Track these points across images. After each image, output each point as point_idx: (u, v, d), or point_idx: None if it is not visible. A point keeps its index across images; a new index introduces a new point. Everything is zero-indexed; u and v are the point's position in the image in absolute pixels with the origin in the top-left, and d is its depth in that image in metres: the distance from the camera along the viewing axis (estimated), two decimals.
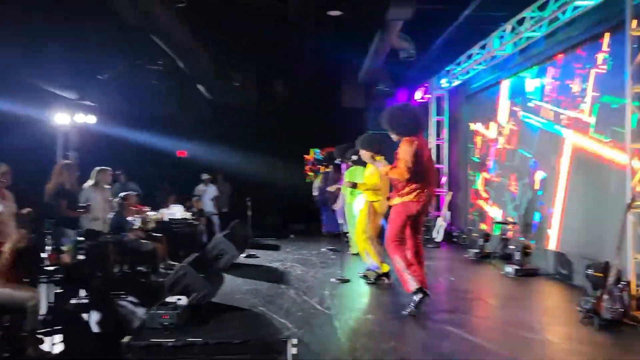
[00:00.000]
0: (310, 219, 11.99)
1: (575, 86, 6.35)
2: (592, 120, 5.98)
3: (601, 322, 4.38)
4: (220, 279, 5.25)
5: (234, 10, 7.58)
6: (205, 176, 10.96)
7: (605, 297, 4.42)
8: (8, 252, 3.97)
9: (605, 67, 5.76)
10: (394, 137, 5.02)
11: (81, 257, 5.04)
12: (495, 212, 8.84)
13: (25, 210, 4.90)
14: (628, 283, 4.53)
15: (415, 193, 4.77)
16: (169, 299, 4.38)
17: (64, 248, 4.82)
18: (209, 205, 10.69)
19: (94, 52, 7.92)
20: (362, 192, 6.39)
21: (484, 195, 9.36)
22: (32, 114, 9.75)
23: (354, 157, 7.21)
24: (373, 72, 9.78)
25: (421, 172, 4.78)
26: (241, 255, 7.73)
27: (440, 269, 7.43)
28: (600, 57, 5.85)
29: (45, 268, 4.74)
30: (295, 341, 3.78)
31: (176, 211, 8.85)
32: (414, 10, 6.51)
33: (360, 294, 5.76)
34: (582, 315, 4.57)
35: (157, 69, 8.66)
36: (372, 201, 6.20)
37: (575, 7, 5.72)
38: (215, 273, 5.27)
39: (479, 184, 9.63)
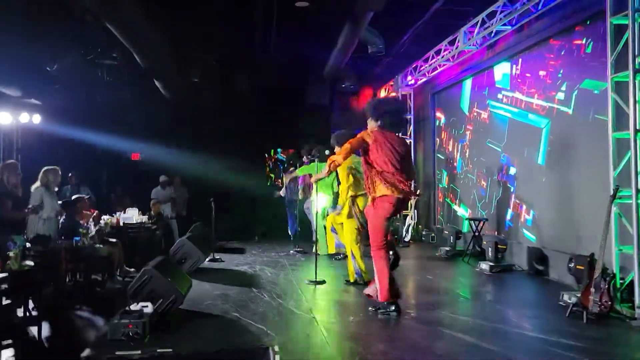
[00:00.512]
0: (274, 221, 11.62)
1: (550, 75, 6.30)
2: (569, 109, 5.93)
3: (590, 316, 4.28)
4: (187, 283, 4.83)
5: (198, 3, 7.18)
6: (163, 178, 10.37)
7: (592, 290, 4.32)
8: None
9: (582, 54, 5.71)
10: (371, 127, 4.77)
11: (30, 263, 4.48)
12: (463, 210, 8.79)
13: None
14: (613, 276, 4.44)
15: (391, 188, 4.49)
16: (133, 307, 3.94)
17: (10, 254, 4.27)
18: (167, 209, 10.12)
19: (41, 44, 7.27)
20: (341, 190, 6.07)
21: (451, 193, 9.30)
22: None
23: (317, 155, 7.05)
24: (339, 68, 9.55)
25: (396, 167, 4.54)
26: (205, 259, 7.27)
27: (414, 268, 7.27)
28: (576, 45, 5.81)
29: None
30: (277, 348, 3.45)
31: (132, 215, 8.30)
32: (385, 1, 6.31)
33: (338, 296, 5.47)
34: (568, 309, 4.46)
35: (110, 63, 8.06)
36: (354, 196, 5.87)
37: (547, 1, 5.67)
38: (181, 277, 4.83)
39: (446, 182, 9.58)
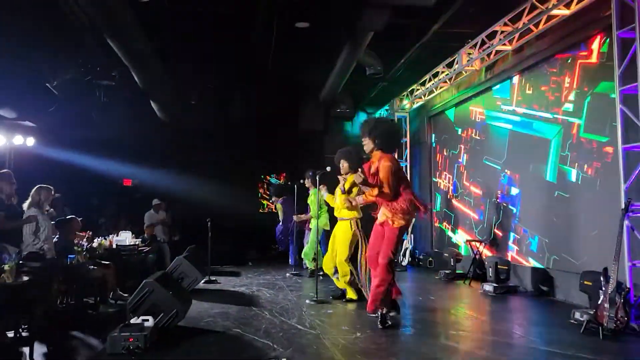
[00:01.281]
0: (266, 247, 11.47)
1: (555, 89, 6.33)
2: (579, 121, 5.89)
3: (605, 333, 4.16)
4: (188, 299, 4.64)
5: (197, 22, 7.20)
6: (156, 202, 10.20)
7: (606, 305, 4.22)
8: None
9: (590, 63, 5.73)
10: (368, 147, 4.76)
11: (25, 277, 4.28)
12: (460, 233, 8.71)
13: None
14: (628, 290, 4.35)
15: (410, 207, 4.56)
16: (133, 320, 3.75)
17: (5, 267, 4.07)
18: (159, 233, 9.91)
19: (39, 64, 7.22)
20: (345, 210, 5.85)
21: (446, 218, 9.25)
22: None
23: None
24: (335, 92, 9.57)
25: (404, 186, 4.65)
26: (202, 279, 7.07)
27: (416, 290, 7.12)
28: (583, 57, 5.85)
29: None
30: None
31: (125, 238, 8.11)
32: (386, 21, 6.37)
33: (342, 313, 5.29)
34: (583, 326, 4.35)
35: (107, 84, 8.01)
36: (357, 218, 5.79)
37: (550, 17, 5.77)
38: (182, 292, 4.65)
39: (441, 206, 9.53)
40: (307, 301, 5.73)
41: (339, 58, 7.66)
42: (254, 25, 6.83)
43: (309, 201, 7.90)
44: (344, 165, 5.78)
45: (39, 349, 4.15)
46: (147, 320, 3.81)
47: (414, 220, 4.83)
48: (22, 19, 6.36)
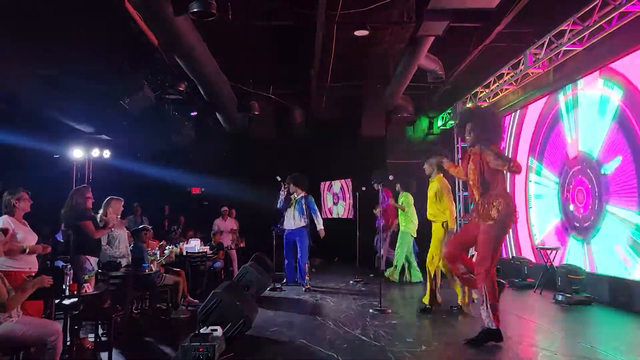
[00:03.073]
0: (329, 254, 11.54)
1: None
2: None
3: None
4: (254, 309, 4.77)
5: (257, 39, 7.41)
6: (224, 209, 10.55)
7: None
8: (31, 283, 3.55)
9: None
10: (469, 140, 4.47)
11: (104, 287, 4.58)
12: (535, 238, 8.35)
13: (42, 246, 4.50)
14: None
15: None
16: (203, 330, 3.90)
17: (85, 277, 4.38)
18: (226, 240, 10.24)
19: (114, 84, 7.71)
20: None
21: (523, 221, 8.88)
22: (49, 149, 9.60)
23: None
24: (395, 98, 9.51)
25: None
26: (268, 287, 7.24)
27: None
28: None
29: (63, 301, 4.32)
30: None
31: (195, 245, 8.44)
32: (447, 26, 6.26)
33: (406, 324, 5.22)
34: None
35: (175, 98, 8.43)
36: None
37: (622, 14, 5.43)
38: (248, 302, 4.79)
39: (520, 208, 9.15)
40: (371, 310, 5.72)
41: (399, 64, 7.61)
42: (313, 36, 6.92)
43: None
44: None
45: (117, 354, 4.42)
46: (216, 330, 3.95)
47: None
48: (98, 42, 6.83)
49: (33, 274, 4.09)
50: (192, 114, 9.40)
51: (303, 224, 8.00)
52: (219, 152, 11.36)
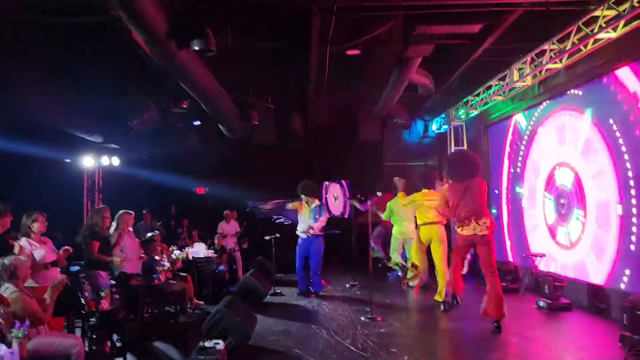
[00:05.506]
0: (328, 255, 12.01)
1: None
2: None
3: None
4: (254, 320, 5.25)
5: (256, 55, 7.80)
6: (226, 212, 11.00)
7: None
8: (50, 298, 4.03)
9: None
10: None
11: (117, 300, 5.07)
12: (516, 244, 8.77)
13: (63, 250, 4.98)
14: None
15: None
16: (207, 344, 4.38)
17: (101, 294, 4.87)
18: (230, 242, 10.70)
19: (122, 98, 8.17)
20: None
21: (505, 226, 9.31)
22: (59, 158, 10.09)
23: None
24: (390, 106, 9.90)
25: None
26: (267, 294, 7.71)
27: (469, 303, 7.31)
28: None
29: (83, 313, 4.82)
30: None
31: (200, 249, 8.89)
32: (433, 47, 6.64)
33: (394, 333, 5.68)
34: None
35: (180, 112, 8.87)
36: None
37: (596, 40, 5.79)
38: (248, 315, 5.27)
39: (504, 214, 9.59)
40: (362, 318, 6.18)
41: (389, 79, 8.00)
42: (308, 56, 7.30)
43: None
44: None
45: (131, 358, 4.93)
46: (219, 343, 4.43)
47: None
48: (107, 65, 7.29)
49: None
50: (196, 123, 9.85)
51: (318, 232, 7.92)
52: (222, 158, 11.82)
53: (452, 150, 7.09)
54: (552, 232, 7.64)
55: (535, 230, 8.21)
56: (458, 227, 5.88)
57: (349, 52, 7.45)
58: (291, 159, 12.06)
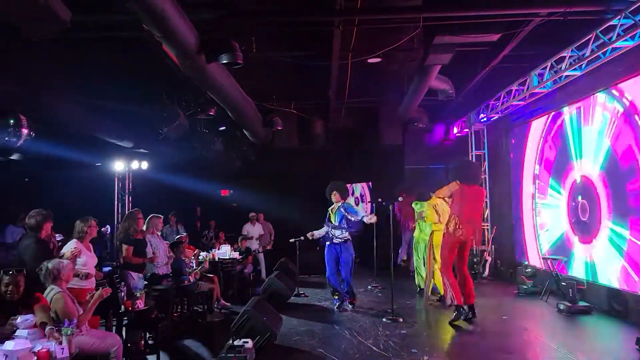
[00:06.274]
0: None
1: None
2: None
3: None
4: (279, 320, 5.50)
5: (278, 63, 8.05)
6: (251, 215, 11.30)
7: None
8: (92, 304, 4.32)
9: None
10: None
11: (150, 304, 5.36)
12: (542, 247, 8.83)
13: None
14: None
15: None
16: (237, 343, 4.64)
17: (136, 294, 5.17)
18: (255, 244, 10.99)
19: (150, 105, 8.52)
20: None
21: (530, 229, 9.36)
22: (92, 162, 10.54)
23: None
24: (410, 111, 10.06)
25: None
26: (291, 295, 7.95)
27: (490, 306, 7.44)
28: None
29: (119, 312, 5.13)
30: None
31: (225, 251, 9.18)
32: (453, 56, 6.79)
33: (415, 333, 5.86)
34: None
35: (206, 118, 9.17)
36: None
37: (614, 48, 5.88)
38: (274, 315, 5.52)
39: (524, 217, 9.64)
40: (384, 320, 6.38)
41: (409, 86, 8.17)
42: (330, 65, 7.52)
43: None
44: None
45: (163, 356, 5.22)
46: (247, 342, 4.68)
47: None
48: (138, 74, 7.64)
49: (93, 290, 4.88)
50: (221, 128, 10.13)
51: (346, 235, 7.31)
52: (246, 161, 12.12)
53: (463, 158, 7.29)
54: (572, 234, 7.71)
55: (555, 232, 8.28)
56: (453, 229, 6.23)
57: (370, 60, 7.64)
58: (313, 163, 12.33)
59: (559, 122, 8.15)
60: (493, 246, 10.20)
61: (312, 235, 7.65)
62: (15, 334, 3.49)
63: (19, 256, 4.82)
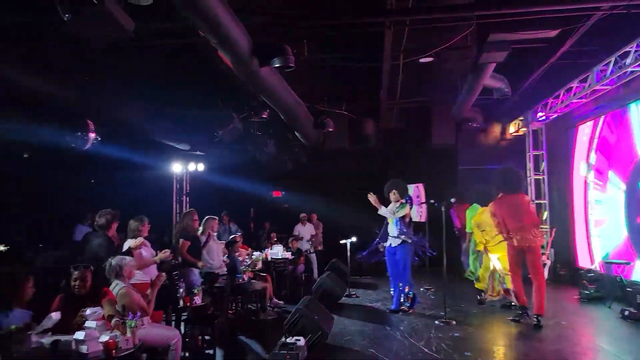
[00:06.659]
0: None
1: None
2: None
3: None
4: (330, 320, 5.56)
5: (329, 65, 8.13)
6: (302, 215, 11.43)
7: None
8: (151, 294, 4.55)
9: None
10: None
11: (207, 300, 5.56)
12: (603, 249, 8.43)
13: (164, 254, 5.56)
14: None
15: None
16: (289, 340, 4.73)
17: (194, 291, 5.38)
18: (306, 244, 11.11)
19: (206, 109, 8.84)
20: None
21: (592, 231, 8.96)
22: (152, 164, 11.05)
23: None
24: (465, 109, 9.86)
25: None
26: (343, 295, 7.99)
27: (549, 311, 7.16)
28: None
29: (178, 308, 5.36)
30: None
31: (278, 251, 9.35)
32: (508, 53, 6.62)
33: (467, 337, 5.75)
34: None
35: (259, 121, 9.40)
36: None
37: None
38: (325, 315, 5.58)
39: (589, 219, 9.23)
40: (436, 322, 6.30)
41: (463, 85, 8.01)
42: (380, 65, 7.52)
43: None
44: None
45: (220, 352, 5.40)
46: (299, 340, 4.77)
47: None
48: (194, 79, 7.95)
49: None
50: (273, 130, 10.34)
51: (404, 238, 7.06)
52: (297, 163, 12.29)
53: (504, 166, 7.04)
54: (634, 237, 7.32)
55: (618, 235, 7.88)
56: (508, 238, 6.37)
57: (422, 60, 7.57)
58: (363, 164, 12.32)
59: (623, 119, 7.76)
60: (552, 249, 9.81)
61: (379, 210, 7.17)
62: (85, 325, 3.73)
63: (92, 252, 5.15)
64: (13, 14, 5.42)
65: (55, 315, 3.75)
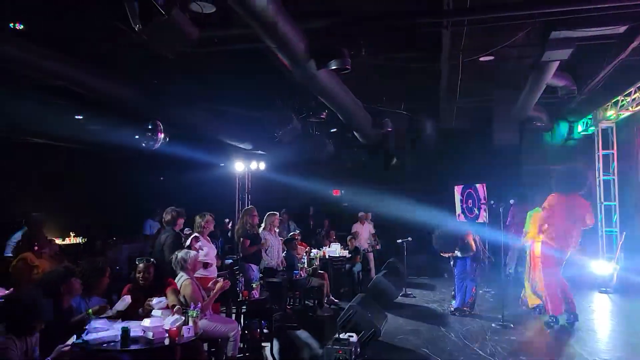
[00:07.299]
0: None
1: None
2: None
3: None
4: (384, 318, 5.64)
5: (387, 65, 8.16)
6: (361, 214, 11.51)
7: None
8: (216, 290, 4.82)
9: None
10: None
11: (265, 294, 5.81)
12: None
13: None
14: None
15: None
16: (342, 336, 4.87)
17: (253, 285, 5.64)
18: (364, 243, 11.17)
19: (267, 110, 9.15)
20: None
21: None
22: (216, 163, 11.57)
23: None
24: (528, 108, 9.55)
25: None
26: (398, 295, 8.01)
27: (615, 321, 6.86)
28: None
29: (238, 301, 5.64)
30: None
31: (335, 249, 9.49)
32: (573, 51, 6.38)
33: (524, 341, 5.65)
34: None
35: (317, 120, 9.59)
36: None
37: None
38: (379, 313, 5.67)
39: None
40: (493, 325, 6.21)
41: (525, 84, 7.79)
42: (439, 65, 7.47)
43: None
44: None
45: (276, 344, 5.63)
46: (352, 336, 4.89)
47: None
48: (255, 81, 8.26)
49: (215, 279, 5.41)
50: (332, 130, 10.52)
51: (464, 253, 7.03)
52: (357, 162, 12.40)
53: (568, 164, 6.79)
54: None
55: None
56: (551, 241, 6.13)
57: (482, 59, 7.43)
58: (424, 162, 12.23)
59: None
60: (622, 254, 9.31)
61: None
62: (152, 313, 4.05)
63: (160, 247, 5.54)
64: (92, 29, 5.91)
65: (128, 299, 4.12)
